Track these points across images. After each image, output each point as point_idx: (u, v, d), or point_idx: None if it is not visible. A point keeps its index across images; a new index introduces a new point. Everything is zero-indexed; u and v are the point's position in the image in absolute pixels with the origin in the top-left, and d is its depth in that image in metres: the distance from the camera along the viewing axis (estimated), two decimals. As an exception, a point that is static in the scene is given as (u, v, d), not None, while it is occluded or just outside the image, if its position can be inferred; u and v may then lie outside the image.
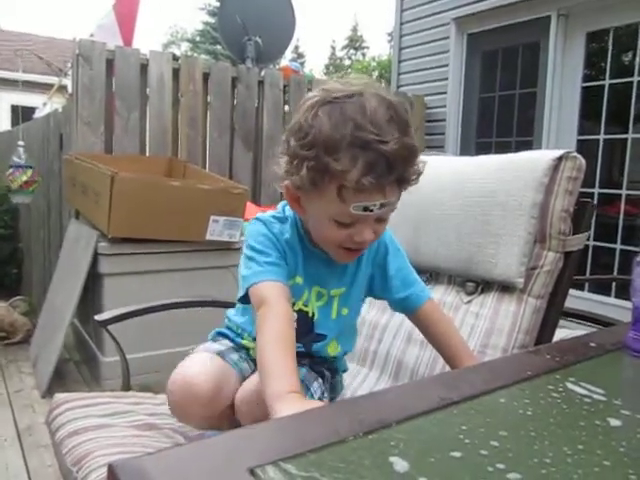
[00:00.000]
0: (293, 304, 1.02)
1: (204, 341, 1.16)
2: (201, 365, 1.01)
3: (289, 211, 1.04)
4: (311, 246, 1.02)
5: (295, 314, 1.02)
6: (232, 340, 1.14)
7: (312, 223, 0.97)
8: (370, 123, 0.83)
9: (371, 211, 0.87)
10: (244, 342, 1.12)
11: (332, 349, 1.10)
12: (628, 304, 0.88)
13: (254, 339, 1.08)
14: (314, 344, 1.06)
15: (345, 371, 1.21)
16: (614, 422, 0.60)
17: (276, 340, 0.86)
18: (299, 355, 1.06)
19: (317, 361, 1.10)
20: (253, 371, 1.07)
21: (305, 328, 1.04)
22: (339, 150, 0.82)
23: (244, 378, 1.05)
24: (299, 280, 1.02)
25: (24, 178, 3.33)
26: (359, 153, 0.82)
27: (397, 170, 0.85)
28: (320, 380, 1.08)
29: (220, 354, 1.07)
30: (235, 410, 1.00)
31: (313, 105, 0.87)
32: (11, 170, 3.35)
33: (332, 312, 1.06)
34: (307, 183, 0.87)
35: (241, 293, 0.99)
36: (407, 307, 1.11)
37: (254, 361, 1.10)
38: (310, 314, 1.04)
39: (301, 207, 0.95)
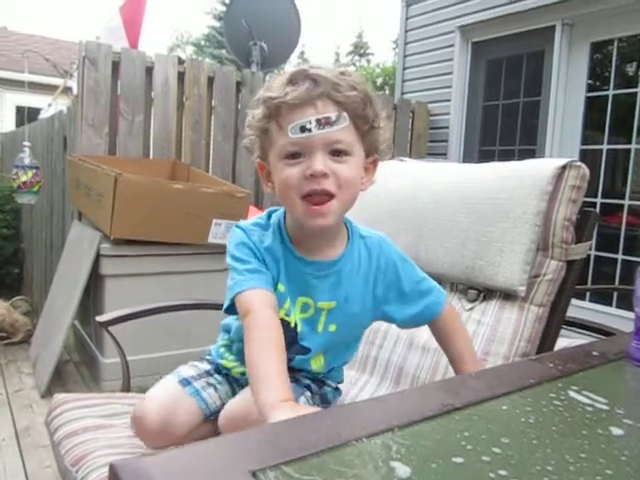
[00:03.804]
0: None
1: (203, 344, 1.16)
2: (155, 398, 1.04)
3: (274, 217, 1.02)
4: (297, 253, 0.98)
5: None
6: (212, 362, 1.14)
7: (278, 189, 0.94)
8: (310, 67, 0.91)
9: (309, 131, 0.86)
10: (223, 362, 1.12)
11: (316, 365, 1.05)
12: (629, 314, 0.88)
13: (237, 357, 1.09)
14: (296, 356, 1.02)
15: (340, 382, 1.17)
16: (616, 431, 0.60)
17: (265, 348, 0.84)
18: None
19: (302, 375, 1.07)
20: (228, 393, 1.09)
21: (288, 339, 0.98)
22: (273, 87, 0.91)
23: (209, 405, 1.07)
24: (281, 288, 0.98)
25: (23, 179, 3.33)
26: (290, 85, 0.89)
27: (324, 85, 0.87)
28: (308, 393, 1.06)
29: (183, 382, 1.08)
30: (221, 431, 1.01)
31: None
32: (14, 170, 3.36)
33: (318, 325, 1.01)
34: (260, 130, 0.93)
35: (226, 304, 0.97)
36: (424, 319, 1.08)
37: (236, 380, 1.10)
38: (292, 325, 0.99)
39: (271, 182, 0.96)
